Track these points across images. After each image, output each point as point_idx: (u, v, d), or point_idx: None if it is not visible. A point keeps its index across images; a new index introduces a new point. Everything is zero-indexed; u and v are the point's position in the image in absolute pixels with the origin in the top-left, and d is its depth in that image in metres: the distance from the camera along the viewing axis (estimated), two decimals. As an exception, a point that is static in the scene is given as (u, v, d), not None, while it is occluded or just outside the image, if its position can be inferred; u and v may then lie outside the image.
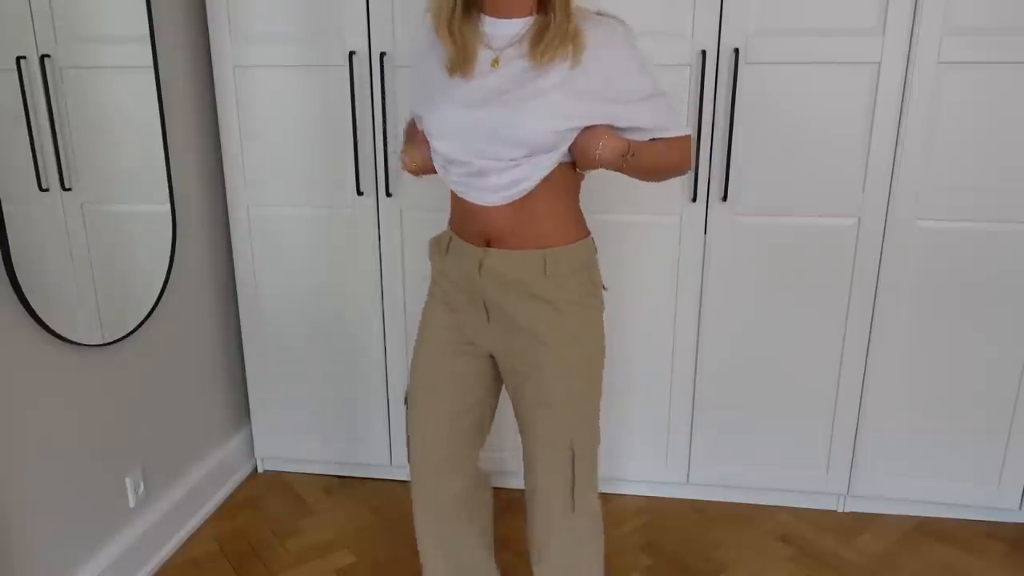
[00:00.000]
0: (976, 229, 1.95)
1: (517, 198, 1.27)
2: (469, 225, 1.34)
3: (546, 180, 1.27)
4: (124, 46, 1.80)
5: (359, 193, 2.12)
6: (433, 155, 1.33)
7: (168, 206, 1.97)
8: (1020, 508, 2.14)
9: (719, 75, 1.92)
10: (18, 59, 1.48)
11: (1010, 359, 2.02)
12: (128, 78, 1.81)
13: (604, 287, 1.42)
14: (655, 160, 1.31)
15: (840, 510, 2.25)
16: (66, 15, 1.59)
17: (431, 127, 1.29)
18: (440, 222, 2.13)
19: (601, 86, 1.24)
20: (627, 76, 1.26)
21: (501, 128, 1.22)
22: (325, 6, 2.00)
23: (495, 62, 1.25)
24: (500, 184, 1.26)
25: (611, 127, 1.27)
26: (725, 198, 1.99)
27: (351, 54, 2.01)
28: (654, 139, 1.31)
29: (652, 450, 2.25)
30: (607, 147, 1.24)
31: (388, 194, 2.11)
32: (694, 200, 2.01)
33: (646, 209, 2.04)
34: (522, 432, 1.44)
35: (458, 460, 1.47)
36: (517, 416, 1.44)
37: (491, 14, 1.26)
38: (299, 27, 2.03)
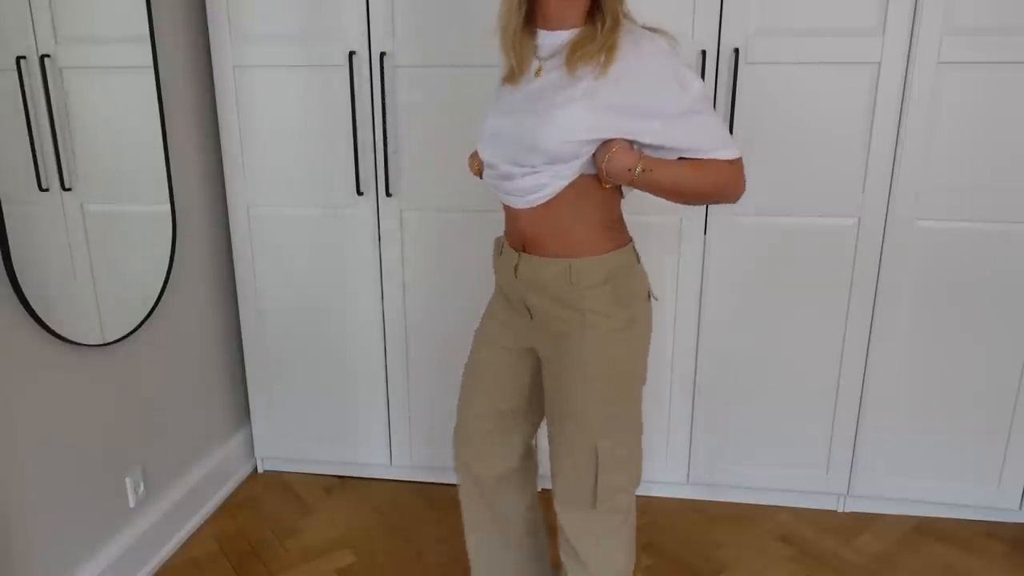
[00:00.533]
0: (976, 229, 1.95)
1: (540, 203, 1.30)
2: (510, 229, 1.41)
3: (572, 189, 1.28)
4: (124, 46, 1.80)
5: (359, 193, 2.12)
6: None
7: (168, 206, 1.97)
8: (1020, 508, 2.14)
9: (719, 75, 1.92)
10: (18, 59, 1.48)
11: (1010, 359, 2.02)
12: (128, 78, 1.81)
13: (654, 297, 1.41)
14: (675, 180, 1.26)
15: (840, 510, 2.25)
16: (66, 15, 1.59)
17: (478, 132, 1.39)
18: (440, 222, 2.13)
19: (625, 100, 1.23)
20: (657, 92, 1.24)
21: (525, 135, 1.26)
22: (325, 6, 2.00)
23: (539, 71, 1.29)
24: (522, 188, 1.30)
25: (634, 143, 1.26)
26: (725, 198, 1.99)
27: (351, 54, 2.01)
28: (682, 159, 1.27)
29: (652, 450, 2.25)
30: (614, 160, 1.23)
31: (388, 194, 2.11)
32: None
33: (646, 209, 2.04)
34: (548, 429, 1.47)
35: (498, 443, 1.54)
36: (546, 413, 1.48)
37: (543, 27, 1.29)
38: (299, 27, 2.03)
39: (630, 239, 1.40)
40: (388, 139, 2.07)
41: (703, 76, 1.90)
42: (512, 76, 1.32)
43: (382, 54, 2.00)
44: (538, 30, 1.30)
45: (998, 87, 1.84)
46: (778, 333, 2.10)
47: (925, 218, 1.95)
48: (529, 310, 1.40)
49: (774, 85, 1.91)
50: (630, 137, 1.25)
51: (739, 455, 2.22)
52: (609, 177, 1.26)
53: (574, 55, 1.23)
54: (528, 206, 1.31)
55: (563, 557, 1.52)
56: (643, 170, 1.23)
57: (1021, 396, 2.04)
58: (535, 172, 1.27)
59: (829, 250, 2.01)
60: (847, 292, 2.04)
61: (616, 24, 1.23)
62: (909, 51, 1.85)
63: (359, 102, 2.06)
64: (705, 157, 1.26)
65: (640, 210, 2.04)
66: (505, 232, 1.44)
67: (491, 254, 1.56)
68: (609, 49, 1.22)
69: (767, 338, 2.11)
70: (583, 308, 1.32)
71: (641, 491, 2.32)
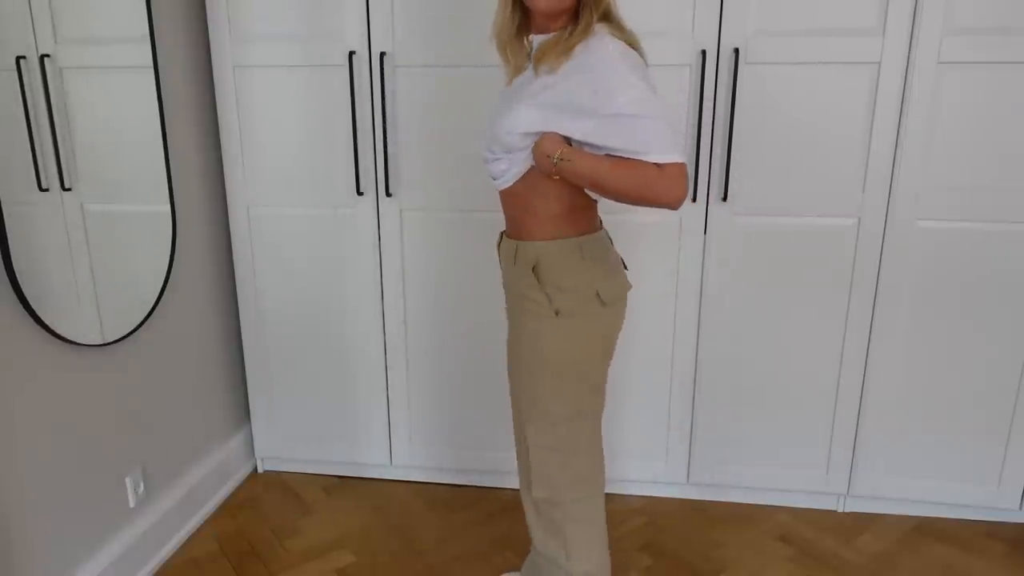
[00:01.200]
0: (976, 229, 1.95)
1: (505, 187, 1.42)
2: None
3: (526, 177, 1.39)
4: (124, 46, 1.80)
5: (359, 193, 2.12)
6: None
7: (168, 206, 1.97)
8: (1020, 508, 2.14)
9: (719, 75, 1.92)
10: (18, 59, 1.48)
11: (1010, 359, 2.02)
12: (128, 78, 1.81)
13: (601, 300, 1.40)
14: (593, 172, 1.27)
15: (840, 510, 2.25)
16: (66, 15, 1.59)
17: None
18: (440, 222, 2.13)
19: (565, 97, 1.29)
20: (594, 92, 1.25)
21: (493, 126, 1.39)
22: (325, 6, 2.00)
23: (523, 70, 1.41)
24: (493, 172, 1.43)
25: (570, 139, 1.32)
26: (725, 198, 1.99)
27: (351, 54, 2.01)
28: (611, 156, 1.27)
29: (652, 450, 2.25)
30: (537, 148, 1.33)
31: (388, 194, 2.11)
32: (694, 200, 2.01)
33: (646, 209, 2.04)
34: None
35: None
36: None
37: (536, 32, 1.38)
38: (299, 27, 2.03)
39: (582, 232, 1.40)
40: (388, 139, 2.07)
41: (703, 76, 1.90)
42: (509, 79, 1.44)
43: (382, 54, 2.00)
44: (533, 35, 1.39)
45: (998, 87, 1.84)
46: (778, 333, 2.10)
47: (925, 218, 1.95)
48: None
49: (774, 85, 1.91)
50: (565, 133, 1.31)
51: (739, 455, 2.22)
52: (536, 164, 1.35)
53: (539, 56, 1.32)
54: (498, 188, 1.45)
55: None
56: (561, 159, 1.29)
57: (1021, 396, 2.04)
58: (497, 159, 1.40)
59: (829, 250, 2.01)
60: (847, 292, 2.04)
61: (585, 29, 1.29)
62: (909, 51, 1.85)
63: (359, 102, 2.06)
64: (636, 159, 1.25)
65: (640, 210, 2.05)
66: None
67: (493, 253, 1.68)
68: (566, 51, 1.28)
69: (767, 338, 2.11)
70: (520, 291, 1.43)
71: (641, 491, 2.32)
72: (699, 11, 1.88)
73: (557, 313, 1.39)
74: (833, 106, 1.91)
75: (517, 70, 1.41)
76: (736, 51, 1.88)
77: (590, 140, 1.28)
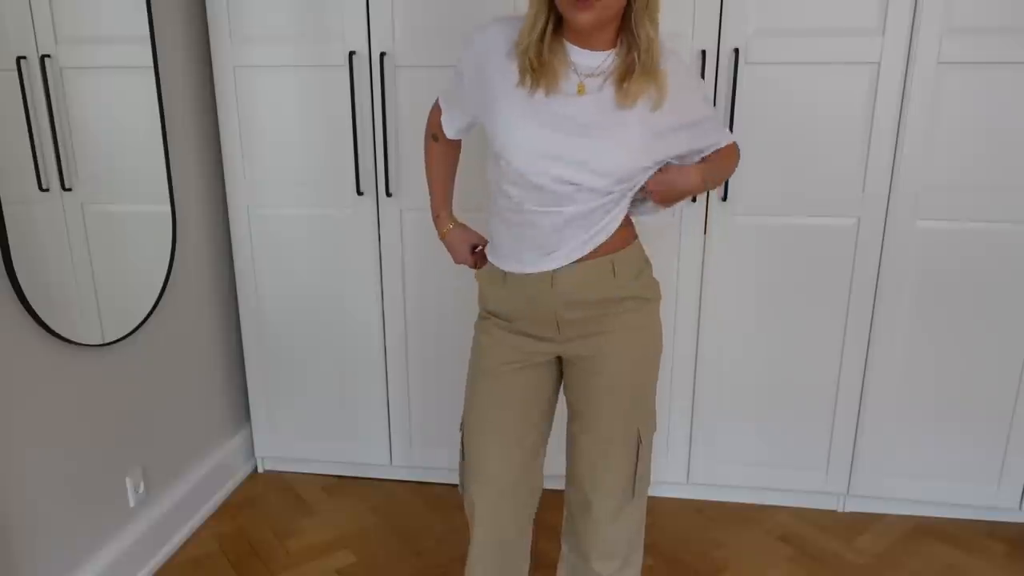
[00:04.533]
0: (976, 229, 1.95)
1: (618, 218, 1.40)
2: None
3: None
4: (124, 46, 1.80)
5: (359, 193, 2.12)
6: (498, 168, 1.35)
7: (168, 206, 1.97)
8: (1020, 508, 2.14)
9: (719, 75, 1.92)
10: (18, 59, 1.48)
11: (1010, 359, 2.02)
12: (128, 78, 1.82)
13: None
14: (716, 181, 1.49)
15: (840, 510, 2.25)
16: (66, 15, 1.59)
17: (516, 142, 1.29)
18: (440, 222, 2.13)
19: (672, 120, 1.32)
20: (692, 109, 1.37)
21: (591, 159, 1.26)
22: (325, 6, 2.00)
23: (581, 87, 1.28)
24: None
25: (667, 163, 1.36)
26: (725, 198, 1.99)
27: (351, 54, 2.01)
28: (704, 157, 1.42)
29: (652, 450, 2.24)
30: (674, 190, 1.38)
31: (388, 194, 2.11)
32: (694, 200, 2.01)
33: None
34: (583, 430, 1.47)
35: (525, 481, 1.51)
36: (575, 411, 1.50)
37: (577, 43, 1.28)
38: (299, 27, 2.03)
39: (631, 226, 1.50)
40: (388, 139, 2.07)
41: (703, 76, 1.90)
42: (538, 84, 1.27)
43: (382, 54, 2.00)
44: (570, 44, 1.28)
45: (998, 87, 1.84)
46: (778, 333, 2.10)
47: (925, 218, 1.95)
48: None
49: (774, 85, 1.91)
50: (683, 148, 1.36)
51: (739, 455, 2.22)
52: (661, 201, 1.39)
53: (625, 89, 1.25)
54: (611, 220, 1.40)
55: (579, 560, 1.55)
56: (706, 186, 1.44)
57: (1021, 396, 2.04)
58: (605, 196, 1.32)
59: (829, 250, 2.01)
60: (847, 292, 2.03)
61: (651, 52, 1.24)
62: (909, 51, 1.85)
63: (359, 102, 2.06)
64: (711, 149, 1.42)
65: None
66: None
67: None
68: (660, 86, 1.27)
69: (767, 338, 2.11)
70: (619, 295, 1.41)
71: (641, 491, 2.32)
72: (699, 11, 1.88)
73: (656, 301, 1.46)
74: (833, 106, 1.91)
75: (555, 79, 1.26)
76: (736, 51, 1.88)
77: (697, 147, 1.39)
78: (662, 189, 1.35)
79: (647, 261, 1.45)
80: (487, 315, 1.47)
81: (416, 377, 2.28)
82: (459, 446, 1.51)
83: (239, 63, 2.08)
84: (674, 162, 1.37)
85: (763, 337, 2.11)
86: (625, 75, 1.26)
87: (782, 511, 2.25)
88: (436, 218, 1.59)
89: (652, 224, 1.59)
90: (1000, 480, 2.12)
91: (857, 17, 1.84)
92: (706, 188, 1.46)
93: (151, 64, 1.86)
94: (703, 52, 1.89)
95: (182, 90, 2.04)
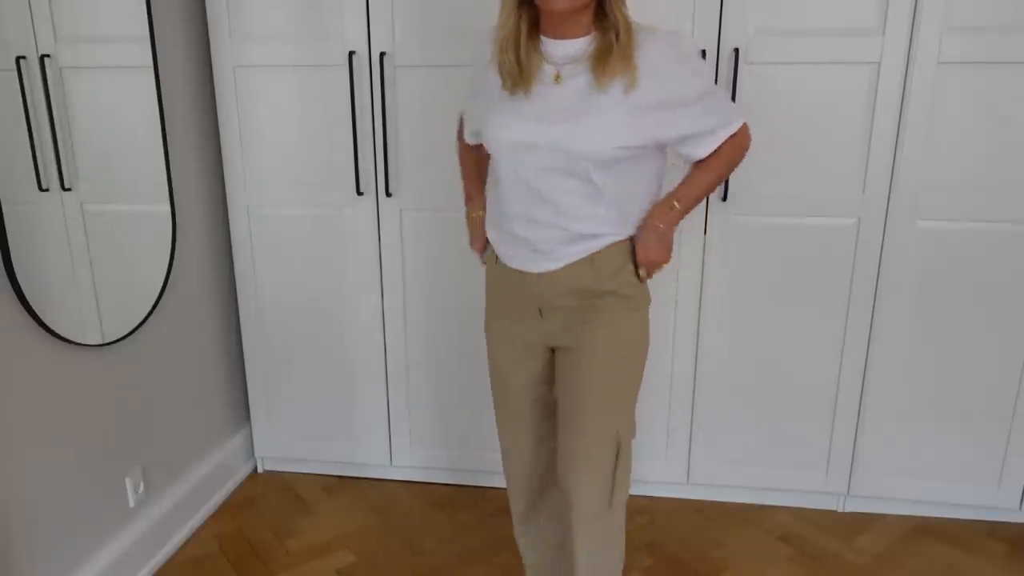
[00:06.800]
0: (976, 229, 1.95)
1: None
2: None
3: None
4: (124, 46, 1.80)
5: (359, 193, 2.12)
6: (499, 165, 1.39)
7: (168, 206, 1.97)
8: (1020, 508, 2.14)
9: (719, 75, 1.92)
10: (18, 59, 1.48)
11: (1010, 359, 2.02)
12: (128, 78, 1.81)
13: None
14: (700, 199, 1.43)
15: (840, 510, 2.25)
16: (66, 15, 1.59)
17: (496, 139, 1.35)
18: (440, 222, 2.13)
19: (654, 97, 1.28)
20: (680, 85, 1.30)
21: (568, 143, 1.28)
22: (325, 6, 2.00)
23: (557, 77, 1.30)
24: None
25: (656, 141, 1.32)
26: (725, 198, 1.99)
27: (351, 54, 2.01)
28: (696, 170, 1.40)
29: (652, 450, 2.25)
30: (653, 243, 1.39)
31: (388, 194, 2.11)
32: (694, 200, 2.01)
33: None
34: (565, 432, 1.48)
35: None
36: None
37: (551, 36, 1.31)
38: (299, 27, 2.03)
39: None
40: (388, 139, 2.07)
41: (703, 76, 1.91)
42: (520, 84, 1.31)
43: (382, 54, 2.00)
44: (545, 38, 1.31)
45: (998, 87, 1.84)
46: (778, 333, 2.10)
47: (925, 218, 1.95)
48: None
49: (774, 85, 1.91)
50: (668, 128, 1.31)
51: (739, 455, 2.22)
52: (661, 259, 1.41)
53: (601, 71, 1.26)
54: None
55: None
56: (675, 216, 1.39)
57: (1021, 396, 2.04)
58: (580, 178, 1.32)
59: (829, 250, 2.01)
60: (847, 292, 2.03)
61: (629, 33, 1.26)
62: (909, 51, 1.85)
63: (359, 102, 2.06)
64: (723, 134, 1.36)
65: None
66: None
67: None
68: (631, 67, 1.26)
69: (767, 338, 2.11)
70: (602, 290, 1.41)
71: (641, 491, 2.32)
72: (699, 11, 1.88)
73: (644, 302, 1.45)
74: (833, 106, 1.91)
75: (531, 74, 1.30)
76: (736, 51, 1.88)
77: (694, 129, 1.33)
78: (646, 260, 1.40)
79: (629, 259, 1.42)
80: (489, 309, 1.53)
81: (416, 377, 2.28)
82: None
83: (239, 63, 2.08)
84: (680, 150, 1.37)
85: (763, 337, 2.11)
86: (601, 58, 1.27)
87: (782, 511, 2.25)
88: (468, 199, 1.63)
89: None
90: (1000, 480, 2.12)
91: (857, 17, 1.84)
92: (687, 209, 1.40)
93: (151, 64, 1.86)
94: (703, 52, 1.89)
95: (182, 90, 2.04)
